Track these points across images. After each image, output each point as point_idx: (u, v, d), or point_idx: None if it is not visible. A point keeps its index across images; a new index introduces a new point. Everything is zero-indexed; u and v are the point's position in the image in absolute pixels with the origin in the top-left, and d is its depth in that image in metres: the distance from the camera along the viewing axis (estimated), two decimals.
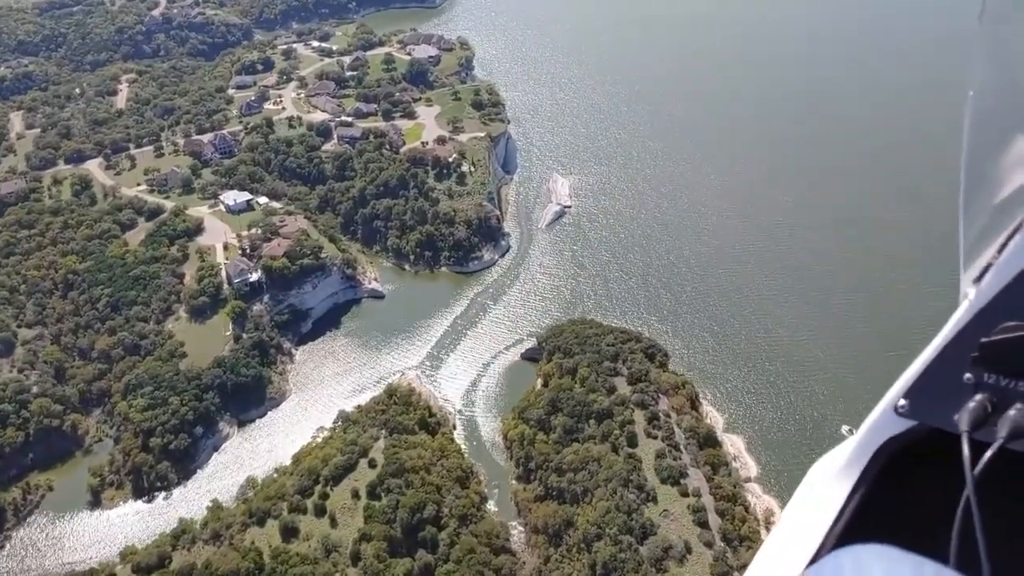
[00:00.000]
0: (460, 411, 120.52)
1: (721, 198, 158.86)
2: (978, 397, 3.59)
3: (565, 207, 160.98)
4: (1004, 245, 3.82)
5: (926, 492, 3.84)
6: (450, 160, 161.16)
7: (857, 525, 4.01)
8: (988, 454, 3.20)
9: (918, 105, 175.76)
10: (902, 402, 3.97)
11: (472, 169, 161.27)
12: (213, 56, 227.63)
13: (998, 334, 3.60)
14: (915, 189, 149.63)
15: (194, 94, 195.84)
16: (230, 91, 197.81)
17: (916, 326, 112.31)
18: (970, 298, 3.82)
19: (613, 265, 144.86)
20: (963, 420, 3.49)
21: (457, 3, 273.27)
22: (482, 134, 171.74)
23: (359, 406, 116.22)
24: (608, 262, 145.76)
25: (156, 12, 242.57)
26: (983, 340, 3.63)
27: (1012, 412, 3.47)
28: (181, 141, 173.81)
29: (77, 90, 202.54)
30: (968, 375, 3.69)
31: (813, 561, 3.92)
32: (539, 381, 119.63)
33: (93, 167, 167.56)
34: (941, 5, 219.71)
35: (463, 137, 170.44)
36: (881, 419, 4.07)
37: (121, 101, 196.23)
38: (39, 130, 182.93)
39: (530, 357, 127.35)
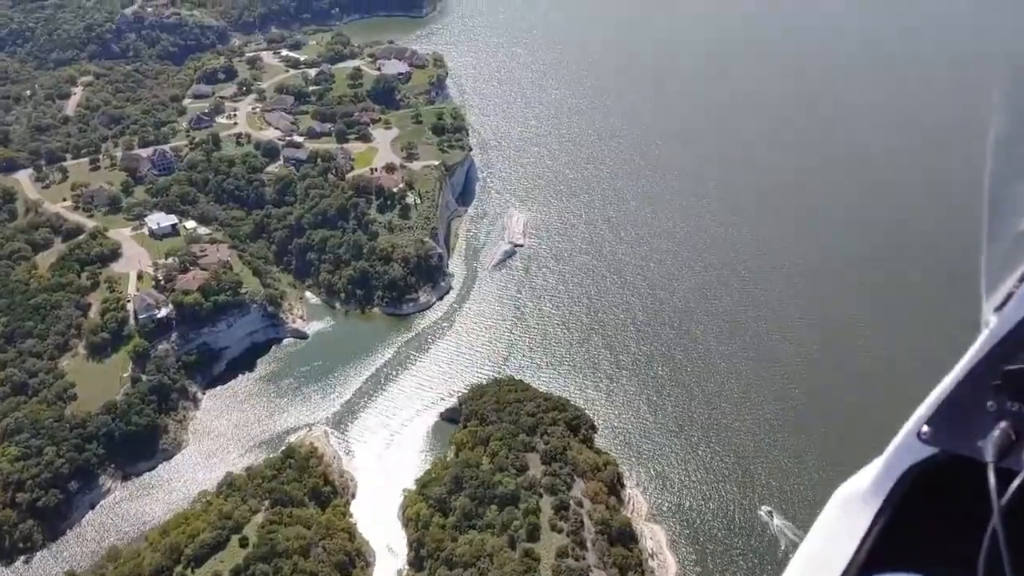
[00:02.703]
0: (365, 479, 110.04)
1: (682, 245, 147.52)
2: (1002, 425, 3.61)
3: (516, 246, 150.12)
4: None
5: (950, 519, 3.85)
6: (395, 191, 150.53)
7: (882, 551, 3.97)
8: (1015, 484, 3.25)
9: (922, 149, 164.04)
10: (925, 429, 3.93)
11: (418, 201, 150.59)
12: (183, 60, 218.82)
13: (1021, 362, 3.63)
14: (903, 253, 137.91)
15: (147, 102, 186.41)
16: (186, 101, 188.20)
17: (872, 413, 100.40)
18: (992, 326, 3.83)
19: (555, 318, 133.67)
20: (988, 450, 3.52)
21: (447, 13, 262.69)
22: (436, 162, 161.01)
23: (249, 468, 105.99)
24: (550, 314, 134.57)
25: (128, 10, 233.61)
26: (1006, 368, 3.66)
27: None
28: (119, 154, 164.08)
29: (28, 92, 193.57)
30: (991, 403, 3.71)
31: None
32: (452, 450, 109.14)
33: (23, 178, 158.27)
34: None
35: (416, 165, 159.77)
36: (904, 445, 4.03)
37: (71, 106, 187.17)
38: None
39: (450, 418, 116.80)
